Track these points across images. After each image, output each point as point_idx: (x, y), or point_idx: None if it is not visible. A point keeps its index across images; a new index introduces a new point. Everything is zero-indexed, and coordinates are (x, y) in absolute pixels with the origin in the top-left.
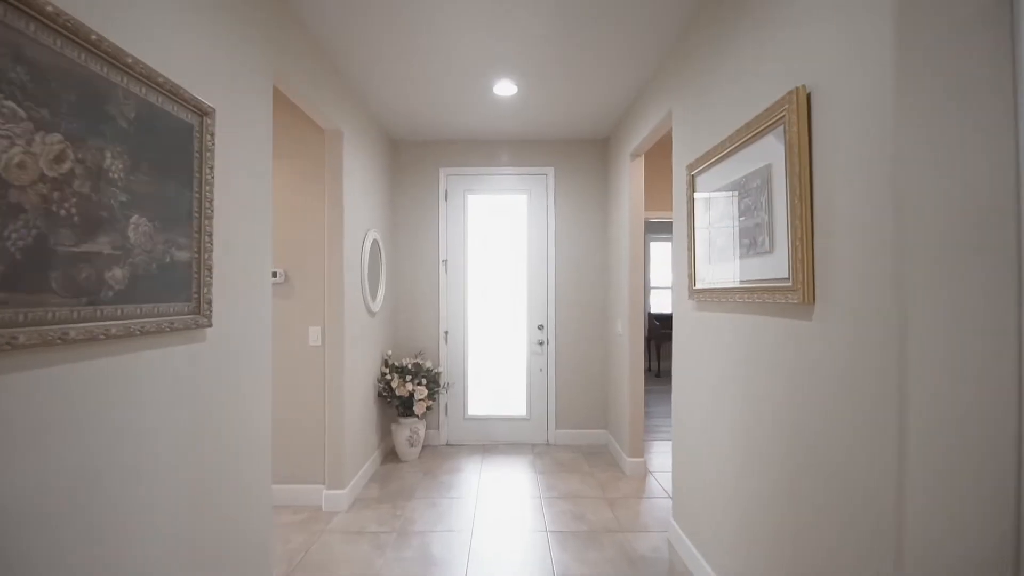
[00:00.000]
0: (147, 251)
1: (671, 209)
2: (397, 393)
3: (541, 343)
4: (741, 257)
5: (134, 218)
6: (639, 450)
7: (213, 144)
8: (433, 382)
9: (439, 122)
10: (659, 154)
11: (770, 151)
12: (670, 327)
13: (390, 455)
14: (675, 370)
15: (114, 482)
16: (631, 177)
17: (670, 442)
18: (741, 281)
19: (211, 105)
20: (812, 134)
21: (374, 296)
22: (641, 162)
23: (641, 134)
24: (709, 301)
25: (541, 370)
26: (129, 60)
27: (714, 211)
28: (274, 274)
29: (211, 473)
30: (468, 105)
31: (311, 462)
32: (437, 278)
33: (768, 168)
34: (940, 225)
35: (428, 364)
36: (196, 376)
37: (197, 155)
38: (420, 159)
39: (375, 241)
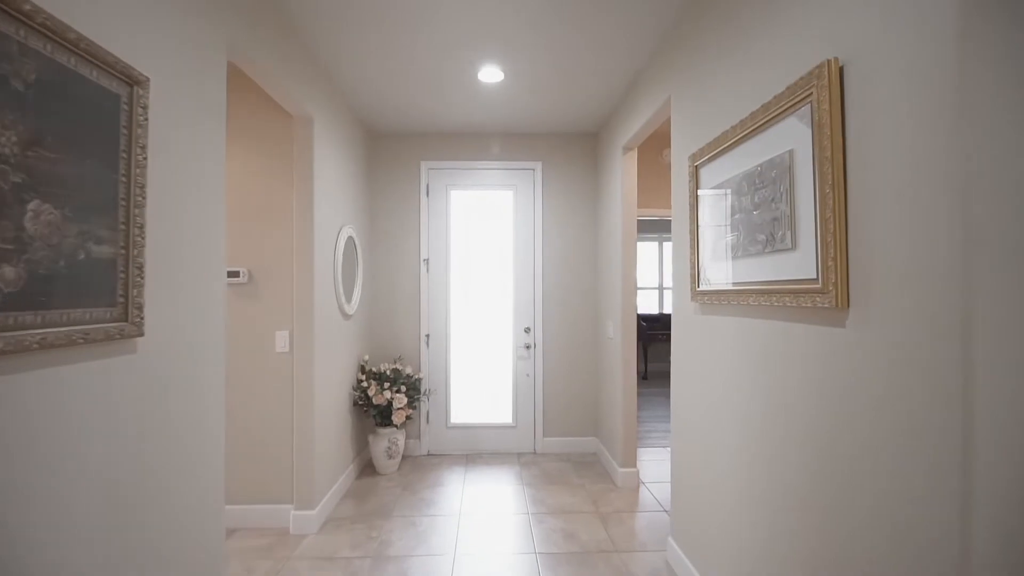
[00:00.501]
0: (52, 245)
1: (657, 206)
2: (374, 402)
3: (528, 347)
4: (755, 255)
5: (33, 204)
6: (632, 460)
7: (146, 119)
8: (413, 389)
9: (420, 111)
10: (644, 149)
11: (792, 135)
12: (657, 328)
13: (367, 468)
14: (674, 379)
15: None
16: (624, 172)
17: (661, 449)
18: (755, 282)
19: (144, 74)
20: (845, 113)
21: (349, 298)
22: (634, 156)
23: (635, 125)
24: (715, 304)
25: (528, 375)
26: (27, 7)
27: (722, 205)
28: (236, 274)
29: (144, 504)
30: (451, 93)
31: (278, 480)
32: (418, 278)
33: (790, 154)
34: (1016, 215)
35: (408, 370)
36: (123, 395)
37: (125, 131)
38: (399, 152)
39: (350, 238)
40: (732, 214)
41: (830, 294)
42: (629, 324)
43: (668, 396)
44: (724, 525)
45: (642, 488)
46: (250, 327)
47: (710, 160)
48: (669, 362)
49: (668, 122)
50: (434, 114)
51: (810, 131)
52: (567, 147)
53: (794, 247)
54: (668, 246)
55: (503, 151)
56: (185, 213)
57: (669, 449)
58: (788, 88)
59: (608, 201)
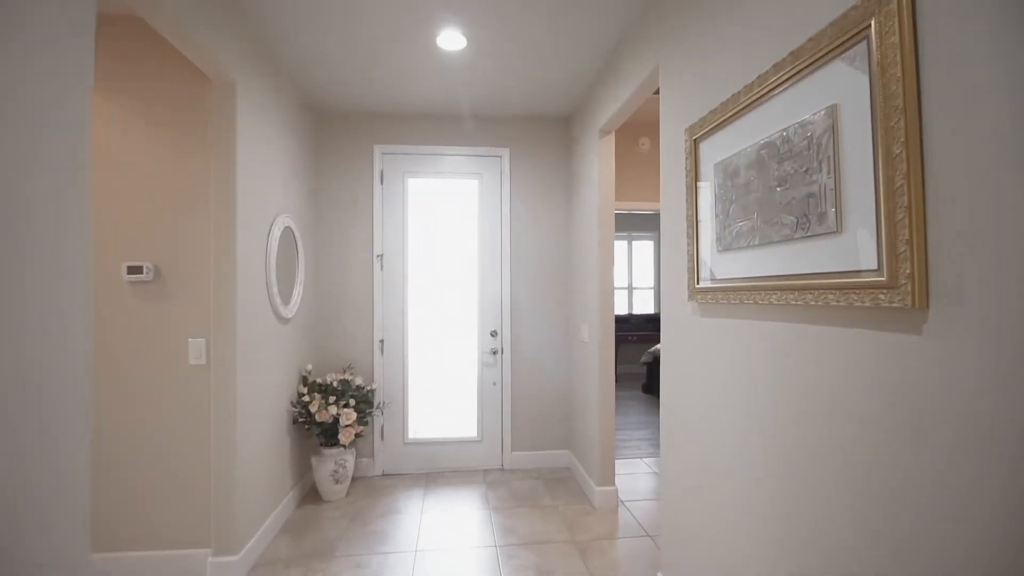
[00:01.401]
0: None
1: (630, 199)
2: (317, 419)
3: (495, 352)
4: (780, 243)
5: None
6: (610, 477)
7: None
8: (364, 402)
9: (372, 85)
10: (615, 137)
11: (837, 85)
12: (626, 329)
13: (311, 494)
14: (665, 392)
15: None
16: (600, 158)
17: (638, 460)
18: (779, 276)
19: None
20: (919, 50)
21: (287, 299)
22: (612, 140)
23: (616, 103)
24: (721, 304)
25: (495, 383)
26: None
27: (730, 184)
28: (139, 269)
29: None
30: (407, 61)
31: (192, 519)
32: (371, 276)
33: (832, 111)
34: None
35: (359, 380)
36: None
37: None
38: (350, 134)
39: (287, 229)
40: (746, 194)
41: (901, 289)
42: (606, 327)
43: (640, 400)
44: (722, 557)
45: (621, 508)
46: (156, 334)
47: (714, 131)
48: (639, 364)
49: (641, 110)
50: (389, 87)
51: (866, 76)
52: (537, 132)
53: (839, 229)
54: (638, 244)
55: (467, 136)
56: (15, 181)
57: (647, 460)
58: (831, 24)
59: (583, 191)
